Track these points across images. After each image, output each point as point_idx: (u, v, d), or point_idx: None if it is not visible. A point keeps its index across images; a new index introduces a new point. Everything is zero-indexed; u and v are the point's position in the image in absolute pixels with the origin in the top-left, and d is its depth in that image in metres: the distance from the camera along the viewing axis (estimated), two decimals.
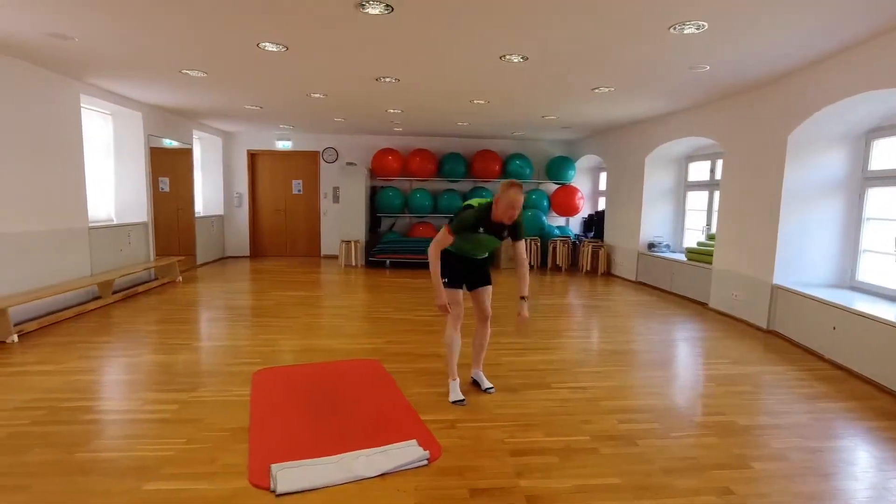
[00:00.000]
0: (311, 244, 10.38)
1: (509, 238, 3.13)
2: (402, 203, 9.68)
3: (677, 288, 6.81)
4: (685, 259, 6.77)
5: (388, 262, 9.04)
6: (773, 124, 5.00)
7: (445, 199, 9.71)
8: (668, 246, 7.62)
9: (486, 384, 3.38)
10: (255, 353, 4.04)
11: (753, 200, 5.28)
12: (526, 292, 3.21)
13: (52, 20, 3.68)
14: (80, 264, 5.66)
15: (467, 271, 3.27)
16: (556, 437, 2.69)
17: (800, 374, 3.79)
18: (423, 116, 7.61)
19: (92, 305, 5.47)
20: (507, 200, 2.92)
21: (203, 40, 4.07)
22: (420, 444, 2.54)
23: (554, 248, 9.26)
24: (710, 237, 6.59)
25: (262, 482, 2.22)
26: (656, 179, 7.65)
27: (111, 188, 6.80)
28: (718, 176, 6.61)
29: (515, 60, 4.40)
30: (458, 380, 3.27)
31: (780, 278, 4.92)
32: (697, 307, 6.10)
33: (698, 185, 7.32)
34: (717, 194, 6.58)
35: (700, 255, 6.45)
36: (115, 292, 6.01)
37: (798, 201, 4.84)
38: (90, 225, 5.88)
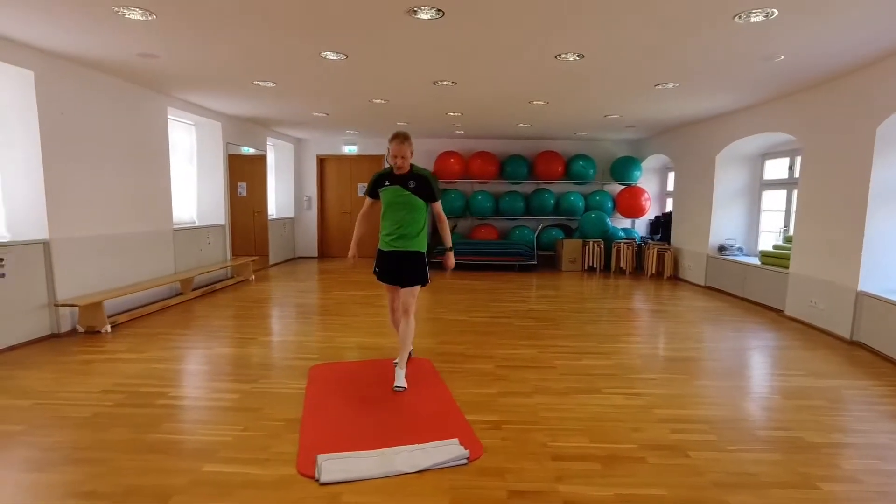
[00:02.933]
0: (375, 245, 10.64)
1: (428, 201, 3.43)
2: (463, 205, 9.75)
3: (750, 293, 6.40)
4: (759, 263, 6.34)
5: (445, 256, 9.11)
6: (858, 116, 4.59)
7: (507, 200, 9.67)
8: (740, 249, 7.17)
9: (398, 382, 3.33)
10: (314, 349, 4.23)
11: (836, 199, 4.87)
12: (449, 243, 3.66)
13: (141, 41, 4.05)
14: (165, 263, 6.17)
15: (395, 267, 3.44)
16: (601, 444, 2.63)
17: (885, 391, 3.46)
18: (484, 119, 7.63)
19: (174, 301, 5.95)
20: (392, 151, 3.29)
21: (271, 52, 4.33)
22: (461, 443, 2.57)
23: (618, 251, 8.97)
24: (788, 239, 6.14)
25: (308, 471, 2.33)
26: (728, 178, 7.22)
27: (193, 193, 7.35)
28: (798, 174, 6.14)
29: (571, 59, 4.33)
30: (403, 368, 3.44)
31: (866, 285, 4.50)
32: (771, 314, 5.70)
33: (775, 184, 6.83)
34: (795, 193, 6.12)
35: (776, 259, 6.03)
36: (194, 289, 6.49)
37: (887, 200, 4.42)
38: (174, 227, 6.40)
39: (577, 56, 4.27)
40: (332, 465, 2.35)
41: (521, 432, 2.76)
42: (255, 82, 5.42)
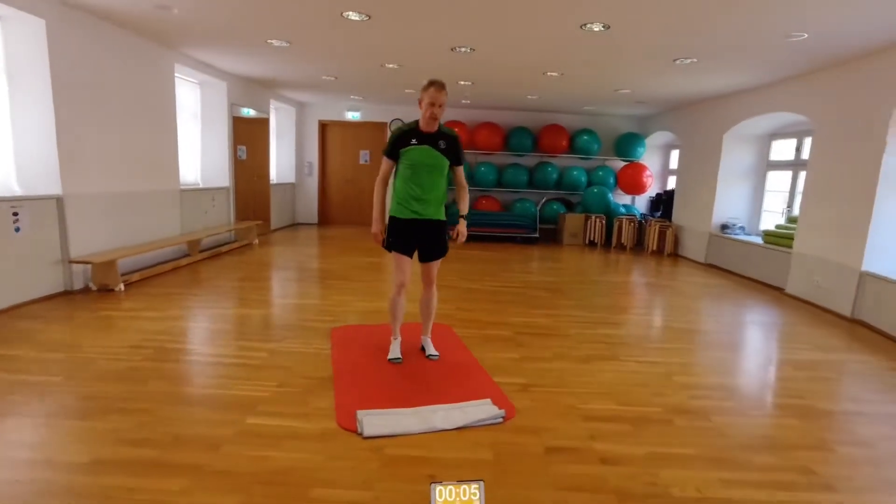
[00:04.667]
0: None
1: (452, 164, 3.09)
2: (467, 176, 9.65)
3: (751, 272, 6.54)
4: (762, 242, 6.47)
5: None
6: (874, 98, 4.64)
7: (511, 173, 9.67)
8: (742, 228, 7.29)
9: (431, 350, 3.32)
10: (330, 312, 4.27)
11: (846, 181, 4.96)
12: (465, 211, 3.23)
13: None
14: (172, 224, 6.12)
15: (418, 237, 3.11)
16: (628, 407, 2.73)
17: (890, 364, 3.60)
18: (493, 89, 7.57)
19: (183, 262, 5.92)
20: (428, 98, 2.89)
21: (290, 10, 4.23)
22: (494, 404, 2.65)
23: (619, 227, 9.07)
24: (792, 220, 6.26)
25: (349, 425, 2.40)
26: (734, 158, 7.28)
27: (197, 154, 7.23)
28: (805, 155, 6.23)
29: (596, 29, 4.30)
30: (399, 339, 3.30)
31: (870, 265, 4.63)
32: (773, 292, 5.85)
33: (781, 165, 6.92)
34: (802, 174, 6.21)
35: (779, 239, 6.15)
36: (201, 251, 6.46)
37: None
38: (181, 188, 6.32)
39: (604, 26, 4.24)
40: (374, 420, 2.42)
41: (550, 395, 2.85)
42: (269, 41, 5.30)
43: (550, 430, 2.45)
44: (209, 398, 2.63)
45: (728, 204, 7.43)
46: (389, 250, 3.15)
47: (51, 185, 4.38)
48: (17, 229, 4.06)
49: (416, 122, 3.05)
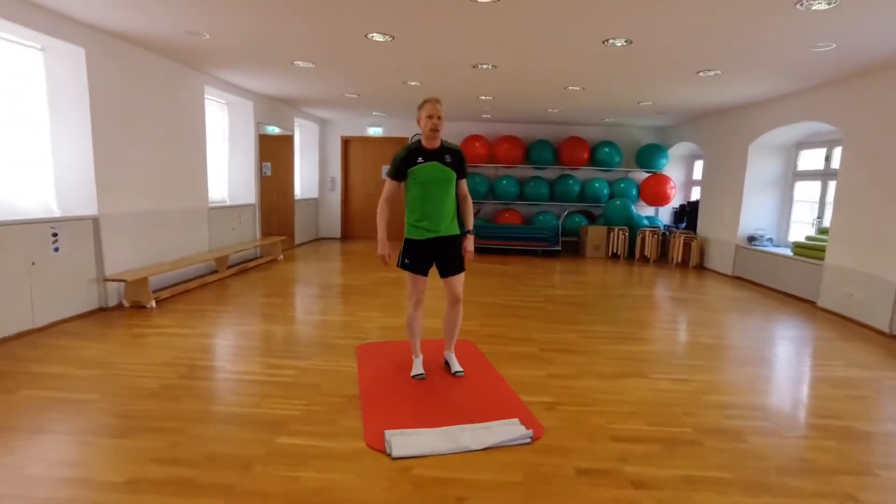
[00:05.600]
0: (399, 228, 10.69)
1: (457, 178, 3.10)
2: (487, 190, 9.75)
3: (780, 284, 6.39)
4: (791, 254, 6.33)
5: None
6: None
7: (532, 186, 9.66)
8: (770, 239, 7.14)
9: (456, 367, 3.31)
10: (357, 328, 4.31)
11: (878, 190, 4.84)
12: (471, 226, 3.27)
13: (191, 19, 4.07)
14: (200, 241, 6.26)
15: (435, 254, 3.11)
16: (658, 427, 2.68)
17: None
18: (514, 103, 7.60)
19: (211, 278, 6.05)
20: (426, 112, 2.94)
21: (316, 33, 4.34)
22: (522, 423, 2.63)
23: (643, 239, 8.96)
24: (822, 231, 6.11)
25: (377, 445, 2.41)
26: (760, 168, 7.17)
27: (225, 172, 7.41)
28: (835, 165, 6.10)
29: (619, 44, 4.31)
30: (420, 356, 3.32)
31: None
32: (804, 306, 5.71)
33: (809, 175, 6.78)
34: (832, 184, 6.08)
35: (809, 251, 6.01)
36: (228, 267, 6.59)
37: None
38: (209, 205, 6.48)
39: (626, 42, 4.24)
40: (402, 440, 2.43)
41: (577, 414, 2.82)
42: (295, 62, 5.43)
43: (579, 450, 2.42)
44: (240, 417, 2.67)
45: (755, 215, 7.29)
46: (405, 270, 3.15)
47: (88, 206, 4.54)
48: (56, 249, 4.21)
49: (418, 140, 3.09)
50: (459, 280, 3.21)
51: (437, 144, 3.05)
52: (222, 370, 3.30)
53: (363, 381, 3.20)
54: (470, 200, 3.28)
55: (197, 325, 4.25)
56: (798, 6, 3.31)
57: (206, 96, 6.43)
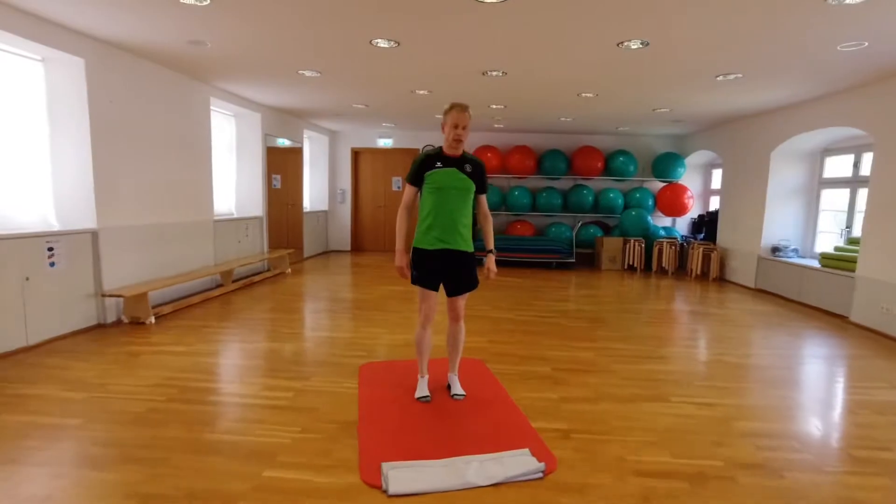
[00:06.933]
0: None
1: (476, 192, 2.96)
2: (500, 201, 9.54)
3: (807, 298, 6.07)
4: (818, 265, 6.01)
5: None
6: None
7: (544, 196, 9.44)
8: (795, 250, 6.82)
9: (456, 390, 3.10)
10: (360, 346, 4.11)
11: None
12: (492, 244, 3.10)
13: (192, 28, 3.97)
14: (205, 254, 6.14)
15: (445, 270, 2.93)
16: (684, 460, 2.43)
17: None
18: (526, 112, 7.42)
19: (215, 292, 5.91)
20: (451, 121, 2.80)
21: (319, 40, 4.21)
22: (533, 454, 2.40)
23: (660, 250, 8.67)
24: (852, 241, 5.80)
25: (373, 480, 2.20)
26: (783, 176, 6.87)
27: (232, 184, 7.31)
28: (865, 171, 5.80)
29: (634, 47, 4.11)
30: (426, 377, 3.13)
31: None
32: (834, 320, 5.38)
33: (837, 182, 6.47)
34: (862, 192, 5.78)
35: (838, 262, 5.69)
36: (234, 281, 6.46)
37: None
38: (215, 218, 6.36)
39: (642, 44, 4.04)
40: (400, 475, 2.21)
41: (594, 443, 2.58)
42: (301, 71, 5.31)
43: (597, 487, 2.18)
44: (228, 445, 2.47)
45: (778, 225, 6.98)
46: (419, 285, 2.96)
47: (87, 220, 4.43)
48: (53, 264, 4.09)
49: (441, 147, 2.93)
50: (464, 299, 3.04)
51: (458, 153, 2.91)
52: (215, 392, 3.12)
53: (363, 404, 3.00)
54: (490, 218, 3.12)
55: (195, 343, 4.09)
56: (829, 0, 3.08)
57: (213, 108, 6.35)
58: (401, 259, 2.97)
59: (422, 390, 3.07)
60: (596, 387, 3.35)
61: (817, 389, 3.49)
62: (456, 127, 2.80)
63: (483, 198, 3.05)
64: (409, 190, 2.96)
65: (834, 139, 6.35)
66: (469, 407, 2.98)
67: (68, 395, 3.01)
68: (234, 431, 2.62)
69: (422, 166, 2.89)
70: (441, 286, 2.99)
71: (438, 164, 2.87)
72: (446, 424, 2.75)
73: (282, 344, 4.14)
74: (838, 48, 4.01)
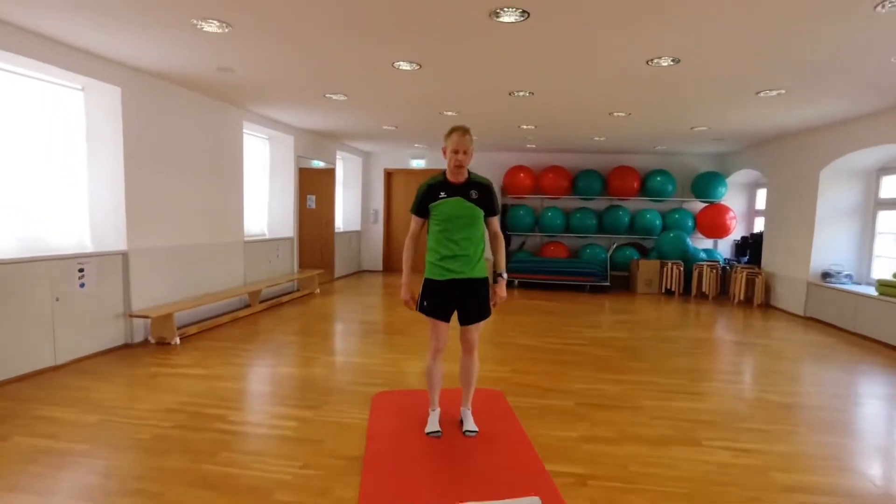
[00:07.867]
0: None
1: (485, 215, 2.83)
2: (532, 221, 9.37)
3: (863, 328, 5.60)
4: (875, 293, 5.55)
5: (515, 281, 8.75)
6: None
7: (578, 217, 9.20)
8: (849, 276, 6.34)
9: (468, 426, 2.93)
10: (377, 373, 4.01)
11: None
12: (502, 268, 2.91)
13: (217, 56, 4.05)
14: (235, 275, 6.22)
15: (457, 298, 2.81)
16: None
17: None
18: (557, 132, 7.27)
19: (243, 313, 5.96)
20: (451, 146, 2.69)
21: (342, 63, 4.22)
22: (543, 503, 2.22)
23: (700, 274, 8.26)
24: None
25: None
26: (834, 196, 6.44)
27: (265, 205, 7.44)
28: None
29: (665, 64, 3.93)
30: (437, 410, 2.96)
31: None
32: (894, 354, 4.92)
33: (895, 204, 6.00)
34: None
35: None
36: (261, 301, 6.51)
37: None
38: (246, 239, 6.46)
39: (672, 60, 3.85)
40: None
41: (613, 492, 2.37)
42: (327, 95, 5.36)
43: None
44: (225, 479, 2.40)
45: (829, 248, 6.52)
46: (424, 314, 2.86)
47: (118, 242, 4.54)
48: (82, 285, 4.20)
49: (443, 172, 2.82)
50: (477, 327, 2.89)
51: (462, 178, 2.79)
52: (223, 419, 3.07)
53: (372, 438, 2.88)
54: (502, 240, 2.96)
55: (213, 365, 4.09)
56: (879, 8, 2.84)
57: (246, 131, 6.49)
58: (406, 292, 2.90)
59: (432, 425, 2.93)
60: (621, 426, 3.12)
61: (875, 435, 3.15)
62: (456, 152, 2.70)
63: (494, 220, 2.91)
64: (414, 221, 2.89)
65: (892, 157, 5.91)
66: (481, 445, 2.81)
67: (80, 419, 3.02)
68: (234, 464, 2.55)
69: (425, 198, 2.80)
70: (455, 314, 2.86)
71: (442, 194, 2.77)
72: (454, 465, 2.60)
73: (298, 369, 4.09)
74: (893, 60, 3.72)
